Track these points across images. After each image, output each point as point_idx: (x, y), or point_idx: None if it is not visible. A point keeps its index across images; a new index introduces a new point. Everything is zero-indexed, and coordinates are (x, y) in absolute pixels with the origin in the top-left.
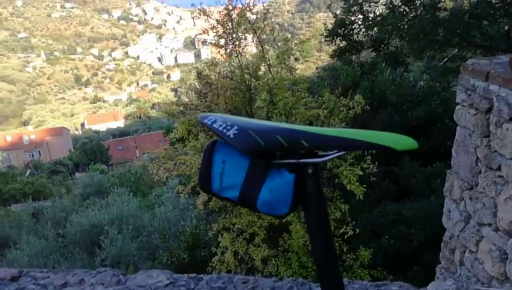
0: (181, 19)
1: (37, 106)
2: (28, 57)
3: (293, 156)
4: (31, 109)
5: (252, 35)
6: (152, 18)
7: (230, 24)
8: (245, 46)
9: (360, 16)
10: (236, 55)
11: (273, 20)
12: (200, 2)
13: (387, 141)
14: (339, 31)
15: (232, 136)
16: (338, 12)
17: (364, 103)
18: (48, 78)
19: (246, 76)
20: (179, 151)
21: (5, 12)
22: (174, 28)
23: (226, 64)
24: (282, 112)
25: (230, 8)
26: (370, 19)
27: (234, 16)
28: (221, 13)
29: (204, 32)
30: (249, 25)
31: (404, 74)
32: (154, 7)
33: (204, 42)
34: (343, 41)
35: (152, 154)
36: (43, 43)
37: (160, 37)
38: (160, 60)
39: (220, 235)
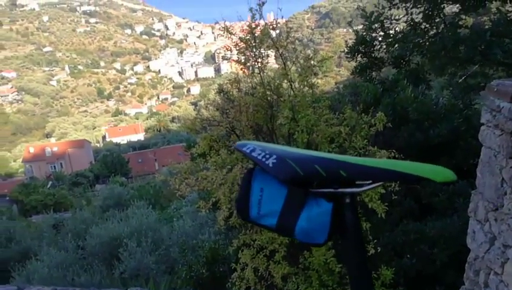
0: (202, 34)
1: (60, 118)
2: (52, 70)
3: (331, 185)
4: (54, 121)
5: (274, 52)
6: (174, 33)
7: (253, 41)
8: (267, 63)
9: (381, 33)
10: (258, 72)
11: (293, 35)
12: (222, 17)
13: (427, 173)
14: (360, 48)
15: (271, 165)
16: (359, 28)
17: (386, 120)
18: (71, 91)
19: (267, 93)
20: (201, 166)
21: (31, 27)
22: (195, 43)
23: (248, 80)
24: (304, 129)
25: (254, 25)
26: (391, 36)
27: (257, 33)
28: (244, 30)
29: (227, 49)
30: (272, 43)
31: (426, 91)
32: (176, 22)
33: (224, 57)
34: (364, 58)
35: (173, 168)
36: (68, 57)
37: (181, 52)
38: (180, 74)
39: (240, 251)
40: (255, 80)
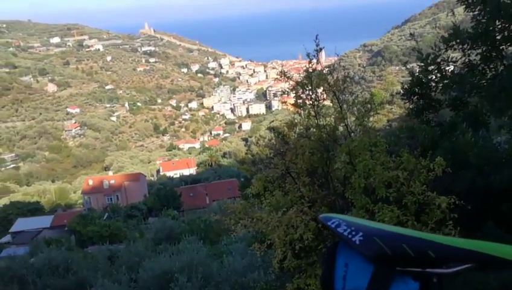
0: (254, 72)
1: (118, 152)
2: (113, 107)
3: (419, 265)
4: (112, 155)
5: (330, 95)
6: (227, 71)
7: (309, 85)
8: (323, 105)
9: (438, 74)
10: (314, 114)
11: (349, 78)
12: (275, 55)
13: None
14: (416, 89)
15: (357, 242)
16: (414, 69)
17: (445, 165)
18: (130, 127)
19: (323, 136)
20: (255, 206)
21: (95, 66)
22: (247, 81)
23: (304, 122)
24: (362, 173)
25: (311, 70)
26: (448, 77)
27: (314, 78)
28: (299, 69)
29: (284, 93)
30: (328, 87)
31: (486, 134)
32: (229, 61)
33: (282, 101)
34: (421, 100)
35: (227, 207)
36: (128, 94)
37: (234, 89)
38: (232, 110)
39: None
40: (310, 122)
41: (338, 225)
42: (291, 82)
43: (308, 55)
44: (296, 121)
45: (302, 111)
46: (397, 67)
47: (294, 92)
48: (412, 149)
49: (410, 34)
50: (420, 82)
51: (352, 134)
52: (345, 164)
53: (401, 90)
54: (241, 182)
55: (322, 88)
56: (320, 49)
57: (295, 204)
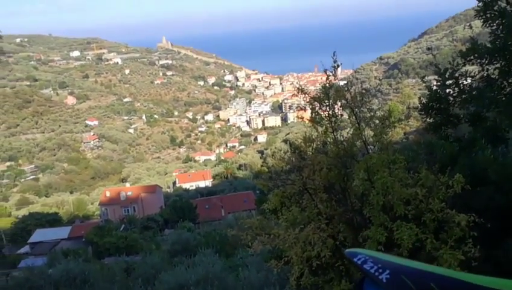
0: (270, 84)
1: (135, 164)
2: (130, 119)
3: None
4: (129, 167)
5: (348, 111)
6: (243, 84)
7: (326, 101)
8: (340, 121)
9: (456, 89)
10: (331, 130)
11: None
12: (291, 68)
13: None
14: (434, 104)
15: (384, 280)
16: (432, 83)
17: (464, 182)
18: (147, 139)
19: (341, 152)
20: (272, 222)
21: (114, 79)
22: (263, 93)
23: (321, 138)
24: (380, 191)
25: (328, 85)
26: (466, 92)
27: (332, 93)
28: (316, 82)
29: (301, 109)
30: (346, 102)
31: (505, 150)
32: (246, 74)
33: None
34: (439, 115)
35: (245, 223)
36: (145, 106)
37: (249, 102)
38: (248, 123)
39: None
40: (328, 137)
41: (364, 261)
42: (308, 97)
43: (325, 71)
44: (313, 137)
45: (319, 126)
46: (414, 80)
47: (311, 107)
48: (431, 165)
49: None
50: (438, 97)
51: (370, 150)
52: (363, 181)
53: (419, 105)
54: (258, 196)
55: (339, 103)
56: (338, 66)
57: (312, 221)
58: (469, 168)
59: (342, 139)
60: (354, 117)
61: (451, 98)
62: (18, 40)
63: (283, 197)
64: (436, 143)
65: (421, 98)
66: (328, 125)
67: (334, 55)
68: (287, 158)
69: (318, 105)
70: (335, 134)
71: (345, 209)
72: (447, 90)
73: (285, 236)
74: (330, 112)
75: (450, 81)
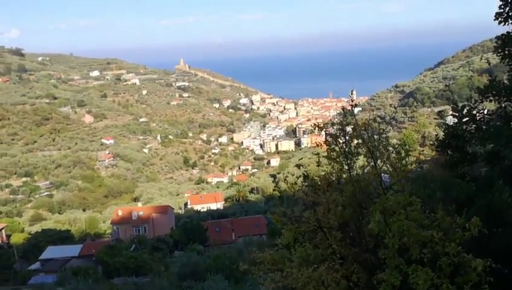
0: (285, 109)
1: (148, 183)
2: (145, 139)
3: None
4: (142, 186)
5: (365, 150)
6: (258, 107)
7: (343, 138)
8: (357, 159)
9: (473, 126)
10: (347, 168)
11: (382, 131)
12: (306, 93)
13: None
14: (450, 141)
15: None
16: (446, 113)
17: (481, 225)
18: (160, 159)
19: (357, 190)
20: (285, 259)
21: (131, 99)
22: (277, 117)
23: (336, 174)
24: (396, 234)
25: (345, 123)
26: (483, 129)
27: (348, 130)
28: (330, 107)
29: (317, 145)
30: (362, 141)
31: None
32: (261, 97)
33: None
34: (456, 153)
35: (257, 258)
36: (160, 127)
37: (264, 125)
38: (262, 146)
39: None
40: (344, 175)
41: None
42: (324, 133)
43: (343, 108)
44: (331, 178)
45: (334, 163)
46: (429, 109)
47: (327, 143)
48: (447, 205)
49: (446, 85)
50: (455, 134)
51: (386, 183)
52: (379, 223)
53: (435, 142)
54: (270, 227)
55: (356, 142)
56: (356, 105)
57: (326, 260)
58: (486, 210)
59: (358, 178)
60: (370, 155)
61: (468, 135)
62: (40, 58)
63: (296, 233)
64: (452, 182)
65: (437, 134)
66: (344, 163)
67: (351, 94)
68: (302, 193)
69: (334, 141)
70: (351, 171)
71: (359, 250)
72: (464, 127)
73: (298, 275)
74: (346, 149)
75: (467, 118)
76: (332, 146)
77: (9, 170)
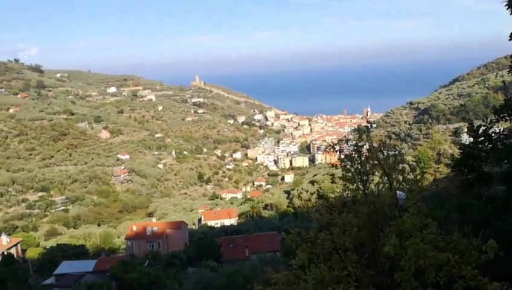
0: (299, 125)
1: (162, 199)
2: (160, 154)
3: None
4: (156, 202)
5: (380, 171)
6: (272, 124)
7: (358, 159)
8: (372, 181)
9: (489, 146)
10: (362, 189)
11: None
12: (321, 110)
13: None
14: (466, 161)
15: None
16: (462, 129)
17: (498, 248)
18: (175, 174)
19: (372, 212)
20: (300, 279)
21: (147, 115)
22: (291, 133)
23: (351, 194)
24: (412, 257)
25: (360, 144)
26: (499, 149)
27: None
28: (345, 124)
29: (333, 166)
30: (378, 163)
31: None
32: (275, 114)
33: (319, 148)
34: (472, 173)
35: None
36: (175, 143)
37: (278, 142)
38: (276, 162)
39: None
40: (359, 196)
41: None
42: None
43: (358, 129)
44: (346, 199)
45: (349, 184)
46: (444, 126)
47: (342, 165)
48: (463, 227)
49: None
50: (471, 154)
51: (402, 210)
52: (395, 246)
53: (451, 162)
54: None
55: (371, 162)
56: (371, 126)
57: (341, 282)
58: (502, 232)
59: (373, 199)
60: (386, 178)
61: (484, 155)
62: (58, 75)
63: (311, 254)
64: (468, 202)
65: (453, 154)
66: (360, 184)
67: (366, 115)
68: (317, 214)
69: (349, 162)
70: (366, 192)
71: (374, 272)
72: (479, 146)
73: None
74: (362, 171)
75: (483, 138)
76: (348, 167)
77: (26, 185)
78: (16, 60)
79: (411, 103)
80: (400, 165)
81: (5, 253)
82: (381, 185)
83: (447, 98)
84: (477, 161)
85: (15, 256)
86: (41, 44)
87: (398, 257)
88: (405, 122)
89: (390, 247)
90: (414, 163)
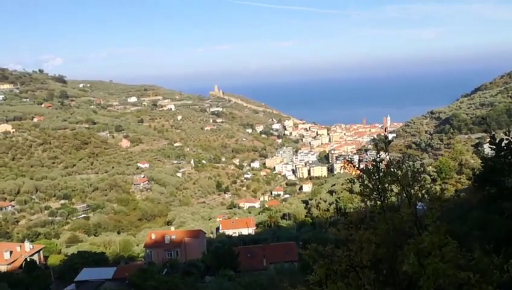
0: (317, 134)
1: (181, 207)
2: (179, 163)
3: None
4: (175, 210)
5: (399, 187)
6: (290, 133)
7: (376, 175)
8: (390, 197)
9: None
10: (381, 205)
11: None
12: (339, 119)
13: None
14: (488, 176)
15: None
16: (485, 139)
17: None
18: (194, 183)
19: (390, 229)
20: None
21: (166, 125)
22: (310, 143)
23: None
24: (431, 276)
25: (378, 159)
26: None
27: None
28: (364, 133)
29: (349, 182)
30: (396, 179)
31: None
32: (293, 123)
33: (338, 157)
34: (493, 188)
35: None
36: (194, 152)
37: (296, 151)
38: (294, 172)
39: None
40: (376, 211)
41: None
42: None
43: (376, 145)
44: (364, 214)
45: (367, 200)
46: (466, 136)
47: (359, 180)
48: (484, 243)
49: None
50: (493, 168)
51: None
52: (413, 265)
53: (473, 177)
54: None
55: (389, 178)
56: (389, 142)
57: None
58: None
59: (392, 216)
60: (404, 194)
61: (507, 168)
62: (81, 85)
63: (328, 270)
64: (490, 218)
65: (475, 168)
66: (378, 200)
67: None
68: (335, 230)
69: (367, 178)
70: (384, 208)
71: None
72: (502, 160)
73: None
74: (380, 186)
75: (505, 151)
76: (366, 182)
77: (49, 193)
78: (41, 71)
79: (432, 113)
80: (420, 179)
81: (28, 259)
82: (400, 200)
83: (468, 108)
84: (499, 176)
85: (37, 262)
86: (65, 55)
87: (416, 276)
88: (426, 131)
89: (409, 266)
90: (435, 174)
